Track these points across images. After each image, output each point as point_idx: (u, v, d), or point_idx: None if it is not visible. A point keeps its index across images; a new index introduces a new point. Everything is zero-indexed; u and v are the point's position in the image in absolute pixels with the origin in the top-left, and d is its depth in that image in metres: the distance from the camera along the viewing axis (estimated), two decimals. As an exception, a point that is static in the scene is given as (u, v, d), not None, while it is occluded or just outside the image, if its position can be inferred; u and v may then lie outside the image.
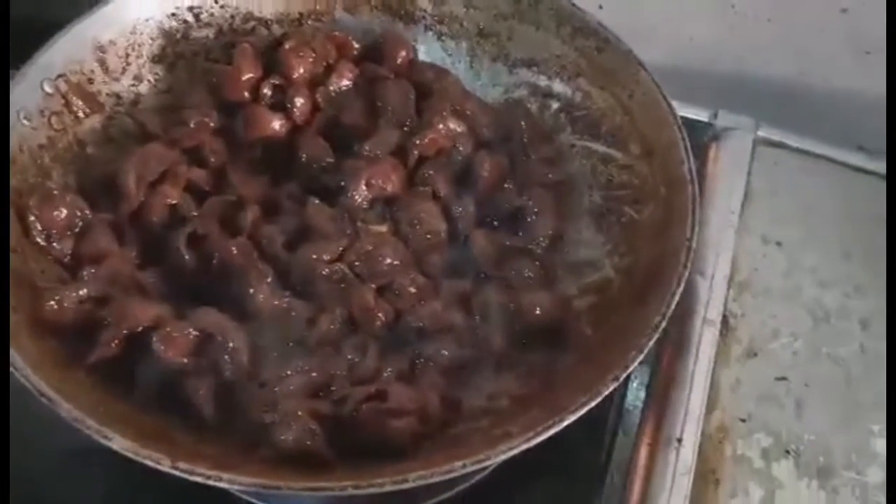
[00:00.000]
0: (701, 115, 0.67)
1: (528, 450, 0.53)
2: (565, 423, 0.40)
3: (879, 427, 0.50)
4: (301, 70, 0.58)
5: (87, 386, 0.44)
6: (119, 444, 0.38)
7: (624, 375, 0.42)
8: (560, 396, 0.44)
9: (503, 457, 0.39)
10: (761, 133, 0.65)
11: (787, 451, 0.48)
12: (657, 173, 0.55)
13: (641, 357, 0.43)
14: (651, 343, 0.43)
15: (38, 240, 0.48)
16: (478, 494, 0.52)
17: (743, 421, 0.50)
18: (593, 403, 0.41)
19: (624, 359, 0.43)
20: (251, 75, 0.58)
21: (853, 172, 0.61)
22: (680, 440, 0.48)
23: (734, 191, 0.61)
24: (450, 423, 0.47)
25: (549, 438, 0.51)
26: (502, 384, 0.50)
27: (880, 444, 0.49)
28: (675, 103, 0.66)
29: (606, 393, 0.41)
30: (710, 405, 0.50)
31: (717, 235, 0.58)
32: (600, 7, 0.70)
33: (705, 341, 0.52)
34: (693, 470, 0.47)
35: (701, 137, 0.67)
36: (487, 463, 0.39)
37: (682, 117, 0.66)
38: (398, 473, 0.38)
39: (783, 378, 0.52)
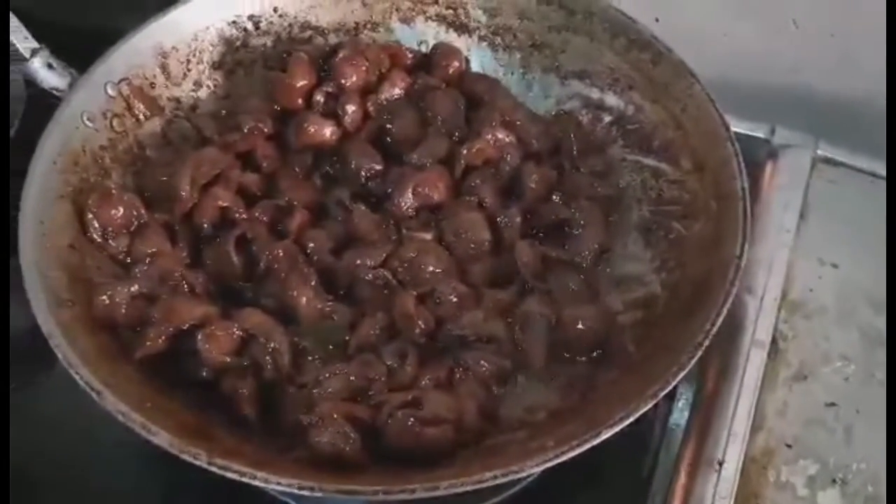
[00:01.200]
0: (758, 132, 0.66)
1: (573, 464, 0.54)
2: (601, 438, 0.40)
3: (935, 459, 0.47)
4: (354, 79, 0.59)
5: (135, 381, 0.45)
6: (162, 438, 0.39)
7: (663, 393, 0.41)
8: (599, 411, 0.44)
9: (536, 469, 0.39)
10: (820, 151, 0.63)
11: (835, 480, 0.47)
12: (708, 189, 0.54)
13: (682, 375, 0.42)
14: (693, 361, 0.43)
15: (95, 237, 0.50)
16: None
17: (789, 446, 0.48)
18: (631, 419, 0.40)
19: (664, 376, 0.42)
20: (305, 83, 0.59)
21: (915, 193, 0.59)
22: (721, 462, 0.47)
23: (790, 209, 0.60)
24: (486, 434, 0.47)
25: (593, 453, 0.52)
26: (541, 397, 0.49)
27: (934, 477, 0.47)
28: (731, 119, 0.65)
29: (645, 409, 0.41)
30: (755, 428, 0.49)
31: (769, 254, 0.57)
32: (657, 20, 0.70)
33: (752, 362, 0.51)
34: (734, 494, 0.45)
35: (757, 154, 0.65)
36: (521, 475, 0.39)
37: (738, 133, 0.65)
38: (430, 480, 0.38)
39: (833, 404, 0.50)
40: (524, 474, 0.39)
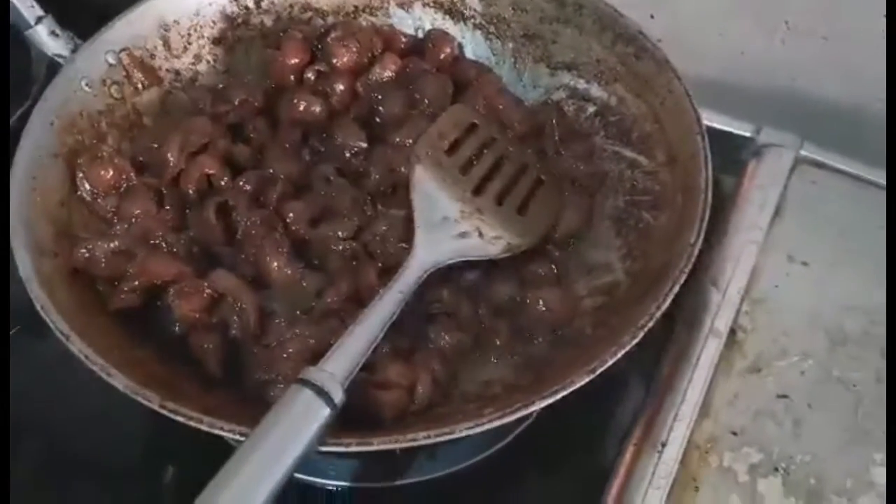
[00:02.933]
0: (744, 130, 0.67)
1: (527, 444, 0.55)
2: (534, 407, 0.41)
3: (882, 457, 0.48)
4: (345, 59, 0.61)
5: (110, 332, 0.48)
6: (119, 381, 0.42)
7: (601, 369, 0.43)
8: (545, 387, 0.45)
9: (468, 432, 0.41)
10: (804, 152, 0.64)
11: (777, 469, 0.47)
12: (677, 181, 0.55)
13: (621, 354, 0.43)
14: (634, 341, 0.44)
15: (84, 196, 0.53)
16: (464, 481, 0.53)
17: (734, 434, 0.49)
18: (565, 392, 0.42)
19: (604, 354, 0.43)
20: (297, 61, 0.61)
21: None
22: (664, 444, 0.48)
23: (765, 206, 0.60)
24: (438, 404, 0.48)
25: (551, 438, 0.53)
26: (497, 373, 0.51)
27: (880, 474, 0.47)
28: (719, 116, 0.66)
29: (581, 384, 0.42)
30: (703, 414, 0.50)
31: (738, 249, 0.58)
32: (651, 17, 0.70)
33: (707, 351, 0.52)
34: (673, 475, 0.47)
35: (742, 151, 0.66)
36: (452, 436, 0.40)
37: (724, 131, 0.67)
38: (365, 437, 0.40)
39: (785, 396, 0.51)
40: (456, 436, 0.40)
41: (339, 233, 0.54)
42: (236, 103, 0.59)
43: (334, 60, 0.62)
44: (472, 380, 0.51)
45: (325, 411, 0.39)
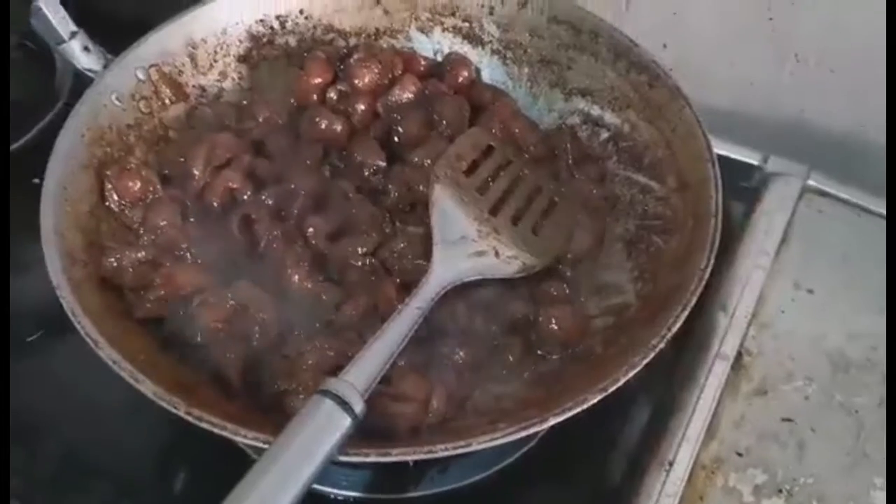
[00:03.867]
0: (753, 159, 0.68)
1: (536, 459, 0.57)
2: (546, 424, 0.43)
3: (882, 481, 0.49)
4: (366, 80, 0.63)
5: (135, 338, 0.49)
6: (147, 387, 0.43)
7: (613, 388, 0.44)
8: (557, 403, 0.46)
9: (483, 446, 0.42)
10: (811, 181, 0.66)
11: (780, 490, 0.49)
12: (688, 206, 0.56)
13: (633, 373, 0.44)
14: (645, 361, 0.45)
15: (112, 206, 0.55)
16: (474, 495, 0.55)
17: (740, 455, 0.50)
18: (577, 410, 0.43)
19: (616, 373, 0.45)
20: (320, 80, 0.63)
21: (897, 228, 0.61)
22: (672, 463, 0.49)
23: (773, 233, 0.62)
24: (451, 418, 0.50)
25: (565, 449, 0.54)
26: (510, 388, 0.52)
27: (880, 498, 0.49)
28: (728, 144, 0.68)
29: (593, 402, 0.43)
30: (710, 435, 0.51)
31: (746, 274, 0.59)
32: (664, 46, 0.72)
33: (714, 373, 0.53)
34: (680, 494, 0.48)
35: (750, 179, 0.68)
36: (468, 450, 0.42)
37: (733, 159, 0.68)
38: (383, 449, 0.41)
39: (789, 419, 0.52)
40: (472, 449, 0.42)
41: (359, 248, 0.55)
42: (260, 120, 0.61)
43: (356, 81, 0.63)
44: (485, 394, 0.52)
45: (347, 421, 0.41)
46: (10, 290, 0.61)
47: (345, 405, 0.41)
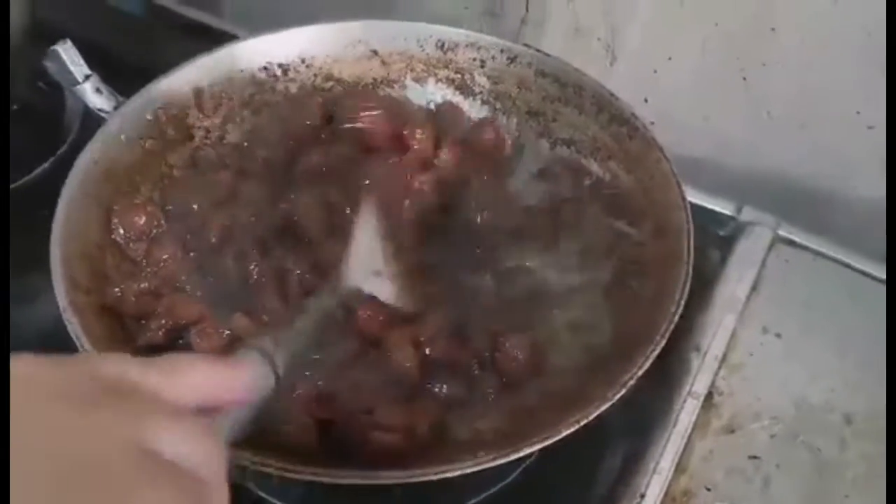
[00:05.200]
0: (727, 209, 0.72)
1: (514, 492, 0.59)
2: (522, 452, 0.45)
3: (842, 517, 0.52)
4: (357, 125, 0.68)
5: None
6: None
7: (585, 420, 0.47)
8: (533, 435, 0.49)
9: (456, 473, 0.44)
10: (781, 231, 0.69)
11: (745, 524, 0.51)
12: (662, 252, 0.59)
13: (604, 408, 0.47)
14: (616, 398, 0.48)
15: (118, 239, 0.58)
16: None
17: (708, 489, 0.53)
18: (552, 441, 0.46)
19: (587, 408, 0.48)
20: (315, 123, 0.67)
21: (859, 276, 0.64)
22: (643, 496, 0.51)
23: (744, 281, 0.65)
24: (433, 446, 0.52)
25: (538, 485, 0.57)
26: (491, 421, 0.55)
27: (840, 533, 0.51)
28: (703, 195, 0.71)
29: (567, 433, 0.46)
30: (680, 469, 0.53)
31: (718, 318, 0.62)
32: (645, 100, 0.77)
33: (686, 410, 0.56)
34: (650, 525, 0.50)
35: (723, 229, 0.71)
36: (439, 476, 0.44)
37: (707, 208, 0.72)
38: (368, 472, 0.44)
39: (756, 457, 0.54)
40: (451, 475, 0.44)
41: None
42: (259, 160, 0.65)
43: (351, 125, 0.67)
44: (466, 427, 0.54)
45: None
46: (16, 317, 0.64)
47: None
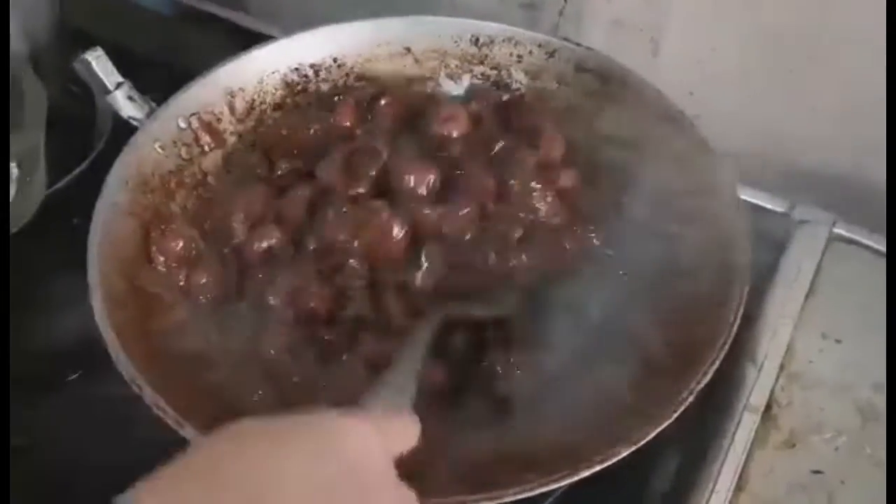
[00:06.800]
0: (779, 206, 0.69)
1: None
2: (578, 476, 0.43)
3: (913, 536, 0.49)
4: (391, 123, 0.65)
5: (174, 377, 0.50)
6: (189, 432, 0.44)
7: (644, 441, 0.45)
8: (588, 452, 0.47)
9: (514, 497, 0.42)
10: (837, 229, 0.66)
11: (811, 544, 0.49)
12: (718, 258, 0.57)
13: (662, 427, 0.45)
14: (676, 414, 0.46)
15: (159, 267, 0.56)
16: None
17: (770, 508, 0.50)
18: (609, 463, 0.44)
19: (647, 426, 0.45)
20: (348, 124, 0.65)
21: (925, 277, 0.61)
22: (702, 516, 0.49)
23: (799, 283, 0.62)
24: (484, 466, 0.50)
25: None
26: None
27: (911, 553, 0.48)
28: (754, 192, 0.68)
29: (625, 455, 0.44)
30: (739, 487, 0.51)
31: (773, 325, 0.59)
32: (690, 94, 0.73)
33: (744, 425, 0.53)
34: (711, 547, 0.48)
35: (776, 228, 0.68)
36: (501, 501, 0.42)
37: (760, 206, 0.69)
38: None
39: (819, 472, 0.52)
40: (505, 500, 0.42)
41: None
42: (287, 167, 0.63)
43: (386, 124, 0.65)
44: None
45: None
46: (49, 328, 0.63)
47: None
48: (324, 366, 0.52)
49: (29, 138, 0.53)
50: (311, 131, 0.65)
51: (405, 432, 0.39)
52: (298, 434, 0.34)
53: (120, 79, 0.60)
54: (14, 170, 0.51)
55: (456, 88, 0.72)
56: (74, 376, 0.63)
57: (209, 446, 0.34)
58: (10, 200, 0.51)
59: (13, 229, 0.52)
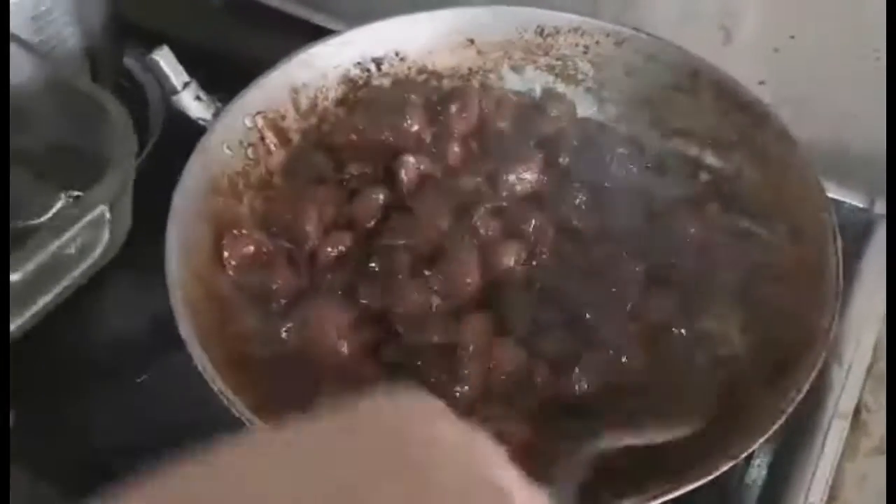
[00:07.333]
0: (858, 200, 0.67)
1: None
2: (679, 491, 0.42)
3: None
4: (462, 128, 0.64)
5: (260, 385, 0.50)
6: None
7: (742, 456, 0.43)
8: (676, 463, 0.46)
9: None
10: (921, 224, 0.64)
11: (911, 557, 0.47)
12: (802, 257, 0.55)
13: (762, 440, 0.44)
14: (775, 427, 0.44)
15: (231, 272, 0.55)
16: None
17: (865, 519, 0.49)
18: (704, 480, 0.42)
19: (745, 440, 0.44)
20: (417, 127, 0.64)
21: None
22: (796, 529, 0.48)
23: (883, 280, 0.60)
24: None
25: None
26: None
27: None
28: (831, 185, 0.66)
29: (718, 473, 0.43)
30: (832, 498, 0.50)
31: (859, 325, 0.57)
32: (761, 83, 0.71)
33: (833, 433, 0.52)
34: (806, 562, 0.47)
35: (856, 222, 0.66)
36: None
37: (837, 200, 0.66)
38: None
39: (914, 480, 0.50)
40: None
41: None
42: (354, 173, 0.62)
43: (456, 129, 0.64)
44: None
45: None
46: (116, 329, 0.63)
47: None
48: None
49: (120, 176, 0.49)
50: (383, 136, 0.63)
51: None
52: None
53: (187, 78, 0.59)
54: (105, 214, 0.47)
55: (518, 81, 0.70)
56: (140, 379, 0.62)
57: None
58: (103, 244, 0.48)
59: (104, 262, 0.50)
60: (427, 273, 0.54)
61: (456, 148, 0.64)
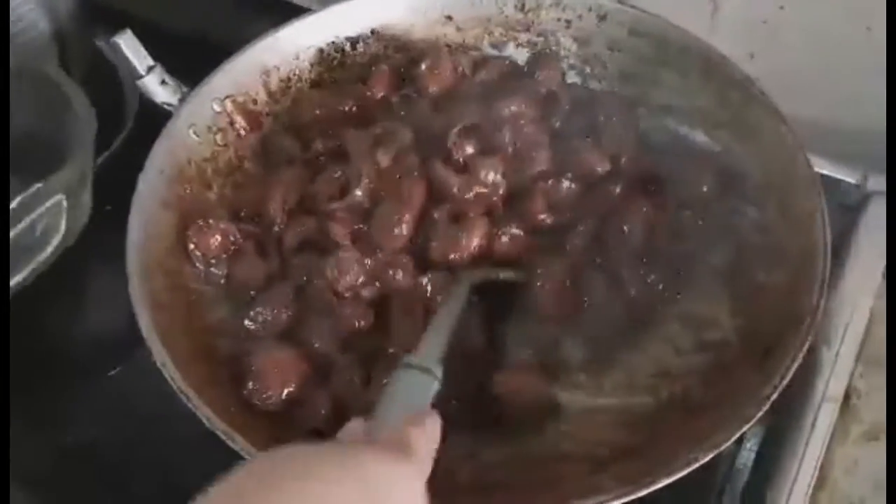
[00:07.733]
0: (850, 177, 0.64)
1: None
2: (657, 486, 0.40)
3: None
4: (436, 87, 0.62)
5: (221, 385, 0.48)
6: (238, 443, 0.42)
7: (727, 443, 0.42)
8: (662, 453, 0.44)
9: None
10: (914, 200, 0.61)
11: (901, 546, 0.46)
12: (792, 237, 0.53)
13: (748, 426, 0.42)
14: (761, 413, 0.43)
15: (198, 264, 0.54)
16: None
17: (854, 506, 0.47)
18: (689, 469, 0.41)
19: (731, 426, 0.42)
20: (384, 93, 0.63)
21: None
22: (782, 516, 0.46)
23: (875, 260, 0.58)
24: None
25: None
26: (607, 434, 0.50)
27: None
28: (823, 162, 0.64)
29: (705, 460, 0.41)
30: (819, 484, 0.48)
31: (849, 306, 0.56)
32: (751, 56, 0.69)
33: (822, 417, 0.50)
34: (792, 550, 0.45)
35: (847, 200, 0.64)
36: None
37: (829, 177, 0.64)
38: None
39: (906, 466, 0.49)
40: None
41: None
42: (320, 148, 0.60)
43: (429, 88, 0.62)
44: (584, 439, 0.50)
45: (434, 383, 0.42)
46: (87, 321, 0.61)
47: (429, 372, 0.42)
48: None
49: (79, 167, 0.49)
50: (346, 108, 0.61)
51: (433, 438, 0.39)
52: (342, 482, 0.33)
53: (151, 62, 0.57)
54: (62, 202, 0.47)
55: (499, 57, 0.68)
56: (113, 372, 0.61)
57: (259, 466, 0.34)
58: (60, 233, 0.47)
59: (60, 251, 0.49)
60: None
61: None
